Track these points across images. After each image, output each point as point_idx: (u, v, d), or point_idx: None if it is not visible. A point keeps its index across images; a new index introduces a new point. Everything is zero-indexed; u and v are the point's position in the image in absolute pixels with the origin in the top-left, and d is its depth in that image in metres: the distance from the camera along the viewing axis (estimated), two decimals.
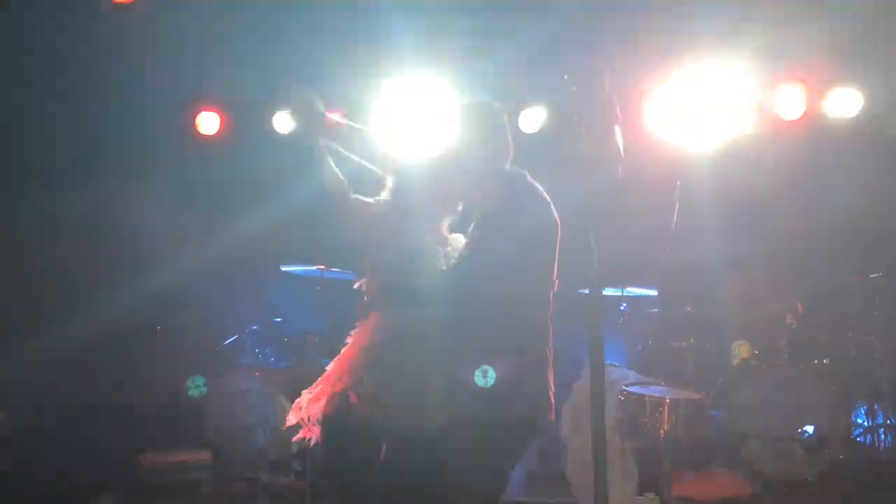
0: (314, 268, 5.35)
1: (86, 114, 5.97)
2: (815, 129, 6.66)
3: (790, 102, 6.59)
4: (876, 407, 5.29)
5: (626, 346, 5.86)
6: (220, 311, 6.24)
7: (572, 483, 4.45)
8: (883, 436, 5.29)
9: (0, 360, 4.95)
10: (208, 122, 7.00)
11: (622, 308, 5.86)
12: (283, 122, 6.94)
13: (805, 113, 6.53)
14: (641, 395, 4.03)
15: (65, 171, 5.98)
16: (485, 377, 2.52)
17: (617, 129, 2.50)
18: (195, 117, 6.92)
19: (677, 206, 5.13)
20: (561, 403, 4.50)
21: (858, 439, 5.33)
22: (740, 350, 5.51)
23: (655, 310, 5.55)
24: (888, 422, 5.29)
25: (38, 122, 5.75)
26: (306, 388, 4.55)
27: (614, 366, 5.18)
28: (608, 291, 6.14)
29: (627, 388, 4.14)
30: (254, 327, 5.79)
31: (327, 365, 5.34)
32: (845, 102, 6.35)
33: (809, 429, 4.67)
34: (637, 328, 5.81)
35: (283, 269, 5.48)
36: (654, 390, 4.09)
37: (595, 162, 2.26)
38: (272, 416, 5.06)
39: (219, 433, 5.20)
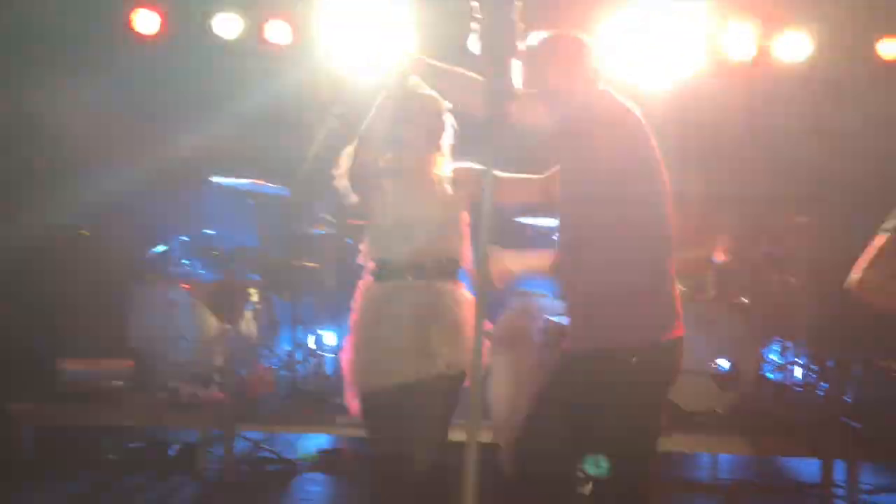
0: (247, 181, 5.23)
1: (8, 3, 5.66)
2: (764, 70, 6.73)
3: (740, 43, 6.63)
4: (789, 345, 5.50)
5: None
6: (149, 220, 6.10)
7: (493, 407, 4.55)
8: (793, 373, 5.52)
9: None
10: (146, 21, 6.71)
11: (554, 239, 5.89)
12: (226, 25, 6.70)
13: (755, 54, 6.60)
14: (562, 326, 4.09)
15: None
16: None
17: (515, 62, 2.42)
18: (131, 14, 6.63)
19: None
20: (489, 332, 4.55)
21: (769, 375, 5.55)
22: None
23: None
24: (799, 360, 5.51)
25: None
26: (233, 300, 4.56)
27: (543, 295, 5.25)
28: (544, 220, 6.17)
29: (551, 318, 4.22)
30: (183, 238, 5.68)
31: (255, 279, 5.36)
32: (795, 45, 6.44)
33: (723, 363, 4.82)
34: None
35: (215, 180, 5.35)
36: None
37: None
38: (197, 328, 5.03)
39: (142, 343, 5.16)
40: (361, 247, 2.90)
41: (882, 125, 6.14)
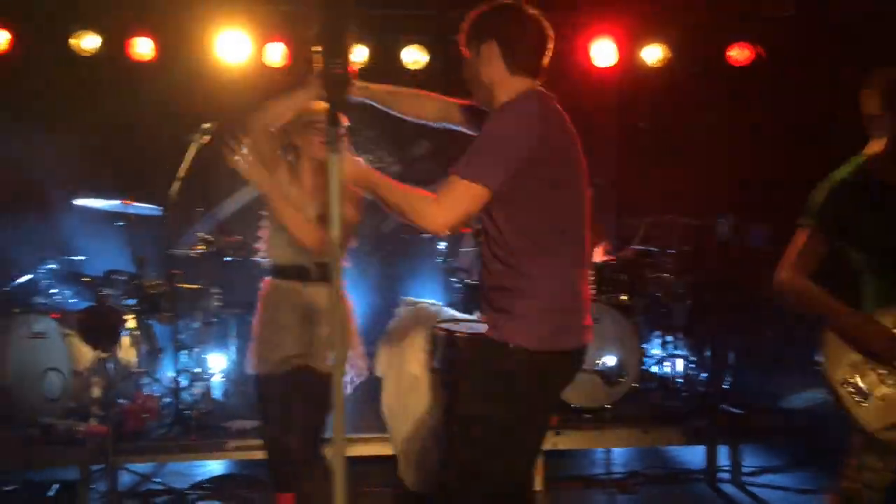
0: (115, 202, 4.97)
1: None
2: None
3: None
4: (668, 339, 5.74)
5: (445, 284, 5.96)
6: (11, 249, 5.70)
7: (387, 416, 4.50)
8: (674, 365, 5.76)
9: None
10: None
11: (440, 247, 5.94)
12: (87, 40, 6.41)
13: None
14: (451, 332, 4.10)
15: None
16: None
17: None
18: None
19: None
20: (378, 341, 4.52)
21: (653, 369, 5.77)
22: None
23: (472, 249, 5.65)
24: (678, 352, 5.76)
25: None
26: (108, 328, 4.30)
27: (432, 303, 5.27)
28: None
29: (439, 325, 4.21)
30: (50, 265, 5.34)
31: (131, 304, 5.09)
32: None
33: (609, 360, 4.97)
34: (454, 267, 5.91)
35: (78, 202, 5.06)
36: (464, 327, 4.17)
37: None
38: (69, 359, 4.73)
39: (9, 378, 4.80)
40: (259, 245, 3.31)
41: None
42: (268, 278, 3.26)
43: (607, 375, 4.96)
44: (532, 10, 2.50)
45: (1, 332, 4.94)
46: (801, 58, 6.32)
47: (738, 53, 6.98)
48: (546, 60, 2.55)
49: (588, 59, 7.01)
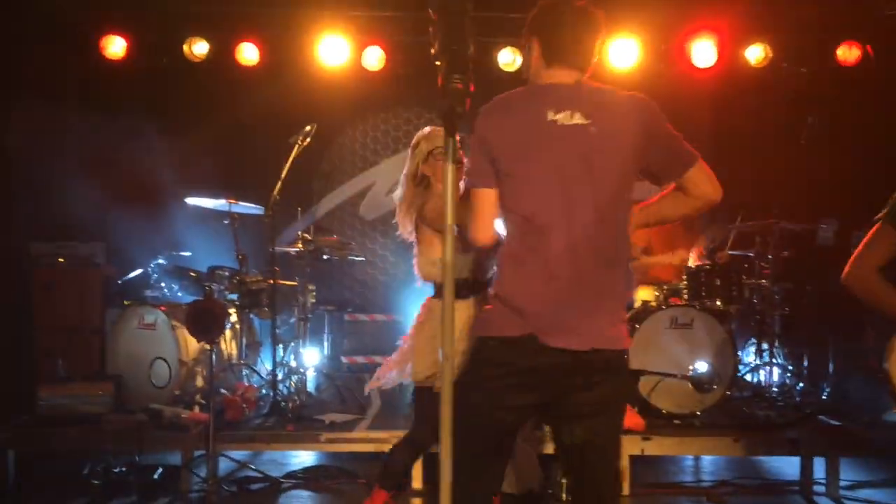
0: (222, 201, 5.23)
1: None
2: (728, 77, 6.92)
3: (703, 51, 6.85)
4: (764, 346, 5.58)
5: None
6: (125, 244, 6.08)
7: None
8: (770, 374, 5.60)
9: None
10: (113, 46, 6.76)
11: None
12: (197, 46, 6.77)
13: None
14: None
15: None
16: None
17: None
18: (100, 40, 6.68)
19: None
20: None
21: (747, 377, 5.63)
22: (642, 293, 5.72)
23: None
24: (774, 360, 5.59)
25: None
26: (212, 321, 4.53)
27: None
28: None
29: None
30: (160, 261, 5.66)
31: (233, 299, 5.35)
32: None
33: (701, 366, 4.89)
34: None
35: (190, 201, 5.35)
36: None
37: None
38: (176, 350, 5.01)
39: (122, 366, 5.14)
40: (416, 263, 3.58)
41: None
42: (430, 296, 3.55)
43: (699, 382, 4.88)
44: (579, 4, 2.48)
45: (114, 322, 5.29)
46: None
47: (846, 53, 6.72)
48: (589, 51, 2.49)
49: (688, 59, 6.90)
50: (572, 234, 2.33)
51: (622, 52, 6.90)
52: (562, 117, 2.36)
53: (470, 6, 1.67)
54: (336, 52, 6.82)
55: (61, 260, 6.09)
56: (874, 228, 2.59)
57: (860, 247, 2.59)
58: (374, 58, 6.88)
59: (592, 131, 2.36)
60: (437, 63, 1.64)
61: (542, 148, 2.37)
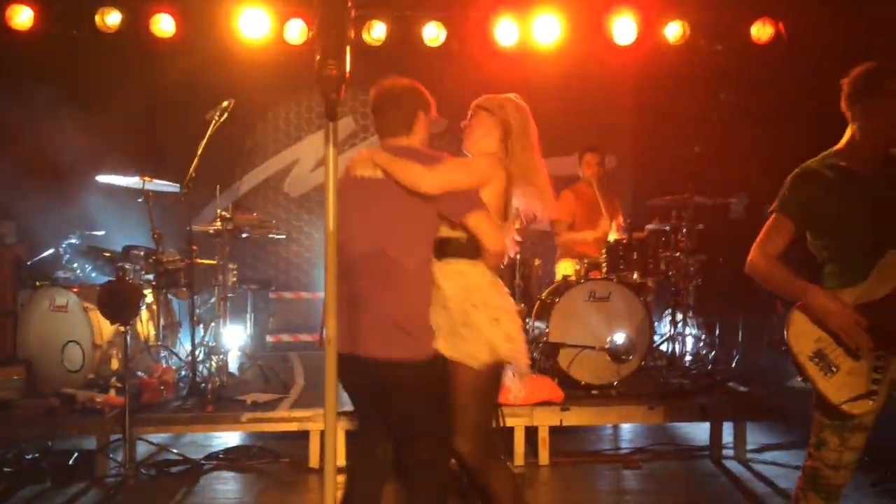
0: (135, 179, 5.09)
1: None
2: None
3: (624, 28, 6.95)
4: (678, 317, 5.76)
5: None
6: (33, 224, 5.87)
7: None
8: (683, 343, 5.79)
9: None
10: (20, 16, 6.48)
11: None
12: (110, 17, 6.53)
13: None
14: None
15: None
16: None
17: None
18: (5, 9, 6.40)
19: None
20: None
21: (661, 347, 5.80)
22: (563, 267, 5.82)
23: None
24: (688, 331, 5.78)
25: None
26: (127, 302, 4.42)
27: None
28: None
29: None
30: (71, 240, 5.49)
31: (149, 279, 5.23)
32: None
33: (618, 338, 5.01)
34: None
35: (101, 179, 5.18)
36: None
37: None
38: (90, 332, 4.88)
39: (33, 351, 4.98)
40: None
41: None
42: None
43: (616, 353, 5.02)
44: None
45: (25, 305, 5.12)
46: (822, 35, 6.23)
47: (760, 30, 6.91)
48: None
49: (608, 36, 6.99)
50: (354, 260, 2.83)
51: (545, 29, 6.96)
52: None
53: None
54: (257, 24, 6.69)
55: None
56: (770, 220, 2.75)
57: (760, 237, 2.76)
58: (297, 31, 6.77)
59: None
60: (315, 48, 1.62)
61: (345, 198, 2.82)
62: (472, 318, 2.76)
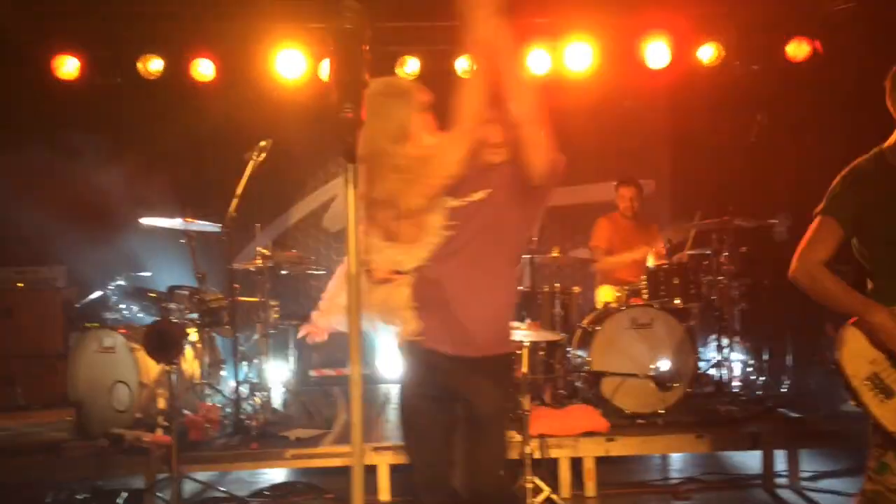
0: (177, 220, 5.19)
1: None
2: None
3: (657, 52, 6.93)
4: (724, 342, 5.65)
5: None
6: (85, 266, 6.02)
7: None
8: (730, 369, 5.67)
9: None
10: (66, 66, 6.69)
11: None
12: (152, 63, 6.72)
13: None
14: None
15: None
16: None
17: None
18: (52, 60, 6.62)
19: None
20: None
21: (708, 373, 5.69)
22: (603, 294, 5.77)
23: (525, 256, 5.67)
24: (734, 356, 5.67)
25: None
26: (172, 341, 4.49)
27: None
28: None
29: None
30: (119, 282, 5.61)
31: (193, 318, 5.31)
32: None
33: (662, 365, 4.94)
34: None
35: (144, 221, 5.30)
36: (514, 334, 4.21)
37: None
38: (136, 372, 4.96)
39: (82, 392, 5.07)
40: None
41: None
42: None
43: (660, 380, 4.93)
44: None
45: (74, 347, 5.23)
46: (859, 51, 6.14)
47: (796, 49, 6.83)
48: None
49: (641, 60, 6.98)
50: None
51: (577, 56, 6.97)
52: None
53: (367, 36, 1.66)
54: (293, 64, 6.81)
55: (20, 284, 6.00)
56: (815, 222, 2.57)
57: (803, 242, 2.57)
58: None
59: None
60: (330, 92, 1.63)
61: None
62: None
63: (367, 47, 1.64)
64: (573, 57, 6.99)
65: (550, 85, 7.13)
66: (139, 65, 6.74)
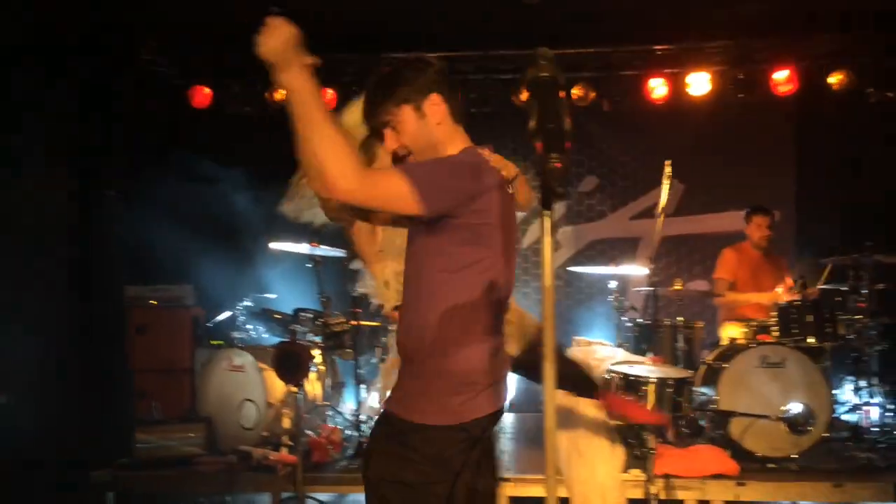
0: (304, 245, 5.35)
1: None
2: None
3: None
4: (862, 385, 5.35)
5: (615, 324, 5.89)
6: (213, 286, 6.28)
7: (561, 458, 4.51)
8: (869, 413, 5.36)
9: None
10: (200, 97, 7.05)
11: (612, 286, 5.89)
12: (279, 95, 6.98)
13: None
14: (626, 374, 4.08)
15: None
16: None
17: None
18: (188, 91, 6.99)
19: (668, 183, 5.15)
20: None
21: (844, 417, 5.40)
22: (729, 329, 5.58)
23: (646, 288, 5.56)
24: (874, 399, 5.36)
25: None
26: (297, 363, 4.61)
27: (602, 344, 5.25)
28: (599, 269, 6.20)
29: (613, 367, 4.19)
30: (246, 303, 5.82)
31: (316, 340, 5.44)
32: None
33: (795, 407, 4.72)
34: (627, 306, 5.85)
35: (273, 246, 5.49)
36: (640, 370, 4.13)
37: None
38: (263, 392, 5.12)
39: (212, 408, 5.27)
40: None
41: None
42: None
43: (793, 423, 4.71)
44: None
45: (205, 364, 5.45)
46: None
47: None
48: None
49: (767, 86, 6.80)
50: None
51: (699, 84, 6.85)
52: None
53: (562, 81, 1.65)
54: None
55: (153, 302, 6.31)
56: None
57: None
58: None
59: None
60: (534, 142, 1.61)
61: None
62: None
63: (564, 94, 1.64)
64: (694, 84, 6.87)
65: (671, 113, 7.04)
66: (267, 95, 7.03)
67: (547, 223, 1.65)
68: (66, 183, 5.71)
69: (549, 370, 1.68)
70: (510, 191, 2.38)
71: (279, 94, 6.90)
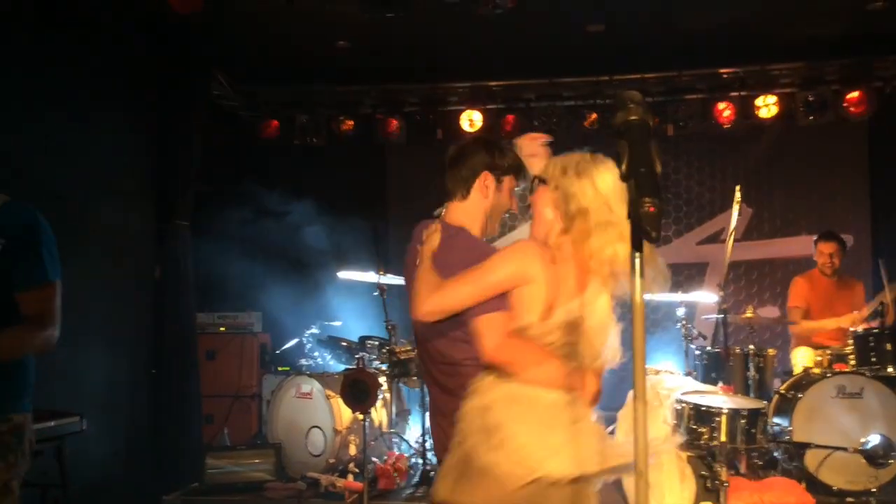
0: (371, 274, 5.43)
1: None
2: None
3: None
4: None
5: (684, 352, 5.79)
6: (280, 314, 6.40)
7: (626, 489, 4.44)
8: None
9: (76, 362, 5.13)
10: (268, 129, 7.25)
11: (679, 313, 5.79)
12: (345, 126, 7.14)
13: None
14: (698, 405, 4.00)
15: None
16: None
17: None
18: (259, 124, 7.19)
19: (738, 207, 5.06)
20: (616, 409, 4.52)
21: None
22: (802, 358, 5.42)
23: (715, 315, 5.45)
24: None
25: None
26: (364, 390, 4.66)
27: (671, 373, 5.16)
28: (668, 297, 6.10)
29: (683, 398, 4.11)
30: (313, 330, 5.92)
31: (382, 368, 5.48)
32: None
33: (874, 439, 4.55)
34: (695, 334, 5.74)
35: (341, 275, 5.59)
36: (712, 400, 4.04)
37: None
38: (331, 419, 5.17)
39: (280, 434, 5.35)
40: None
41: None
42: None
43: (872, 456, 4.55)
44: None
45: (274, 391, 5.55)
46: None
47: None
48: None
49: (838, 109, 6.66)
50: None
51: (767, 108, 6.76)
52: None
53: (652, 123, 1.65)
54: (475, 122, 7.01)
55: (223, 329, 6.46)
56: None
57: None
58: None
59: None
60: (626, 185, 1.61)
61: None
62: None
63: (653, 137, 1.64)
64: (763, 108, 6.77)
65: (738, 137, 6.96)
66: (332, 126, 7.18)
67: (638, 265, 1.65)
68: (148, 211, 5.88)
69: (640, 410, 1.66)
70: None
71: (342, 126, 7.05)
